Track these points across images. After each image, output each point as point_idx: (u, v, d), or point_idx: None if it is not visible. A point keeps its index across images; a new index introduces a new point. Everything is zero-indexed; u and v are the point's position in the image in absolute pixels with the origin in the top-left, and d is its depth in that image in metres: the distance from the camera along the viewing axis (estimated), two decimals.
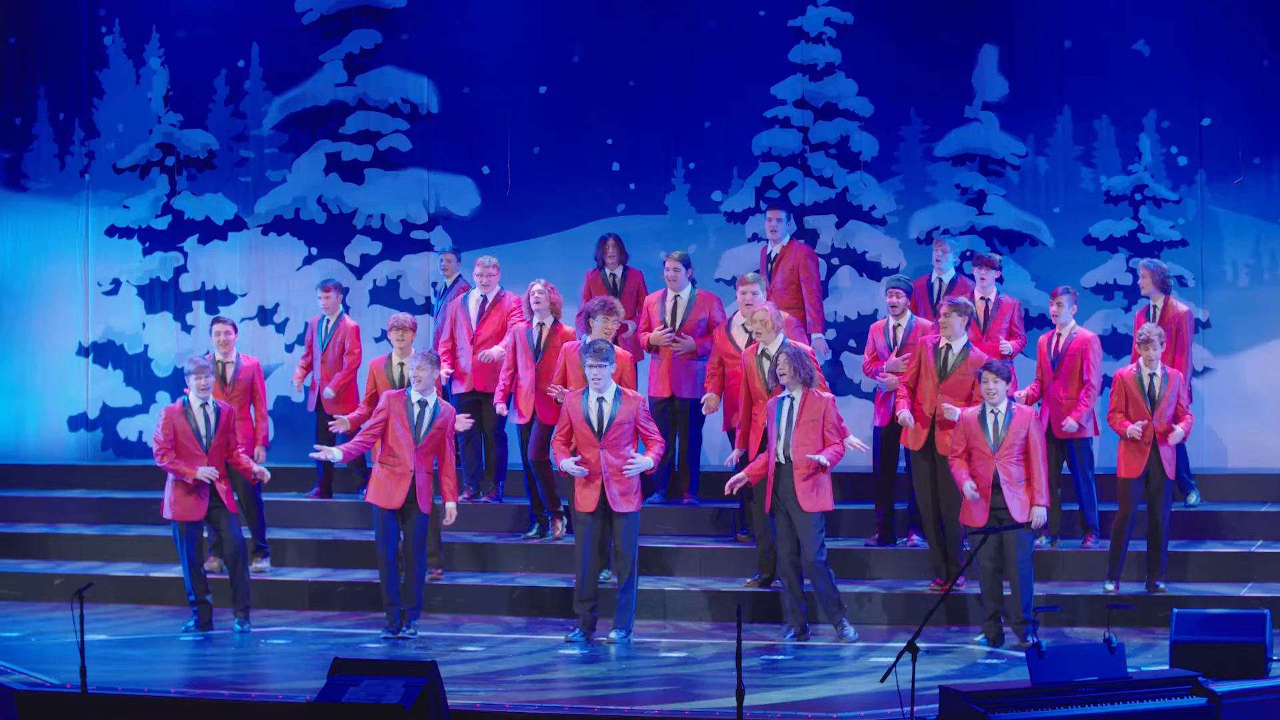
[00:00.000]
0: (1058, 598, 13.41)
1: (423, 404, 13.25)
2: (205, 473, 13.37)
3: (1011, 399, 12.83)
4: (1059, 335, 14.15)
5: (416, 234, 17.56)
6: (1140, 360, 13.46)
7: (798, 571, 13.10)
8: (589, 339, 13.64)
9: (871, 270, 16.68)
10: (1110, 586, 13.51)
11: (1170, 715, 10.19)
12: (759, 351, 13.64)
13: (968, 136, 16.59)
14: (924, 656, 10.40)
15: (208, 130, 17.86)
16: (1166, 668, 11.00)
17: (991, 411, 12.72)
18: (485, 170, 17.44)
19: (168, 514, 13.54)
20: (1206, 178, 16.15)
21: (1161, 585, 13.47)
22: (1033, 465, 12.68)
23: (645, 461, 13.07)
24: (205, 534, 13.94)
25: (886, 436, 14.29)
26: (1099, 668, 10.22)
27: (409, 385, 13.37)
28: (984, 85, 16.56)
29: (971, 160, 16.60)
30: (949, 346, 13.60)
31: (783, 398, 13.00)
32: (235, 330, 14.83)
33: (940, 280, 15.05)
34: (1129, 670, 10.33)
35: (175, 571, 14.89)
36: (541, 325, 14.64)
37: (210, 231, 17.89)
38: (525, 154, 17.33)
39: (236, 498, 13.97)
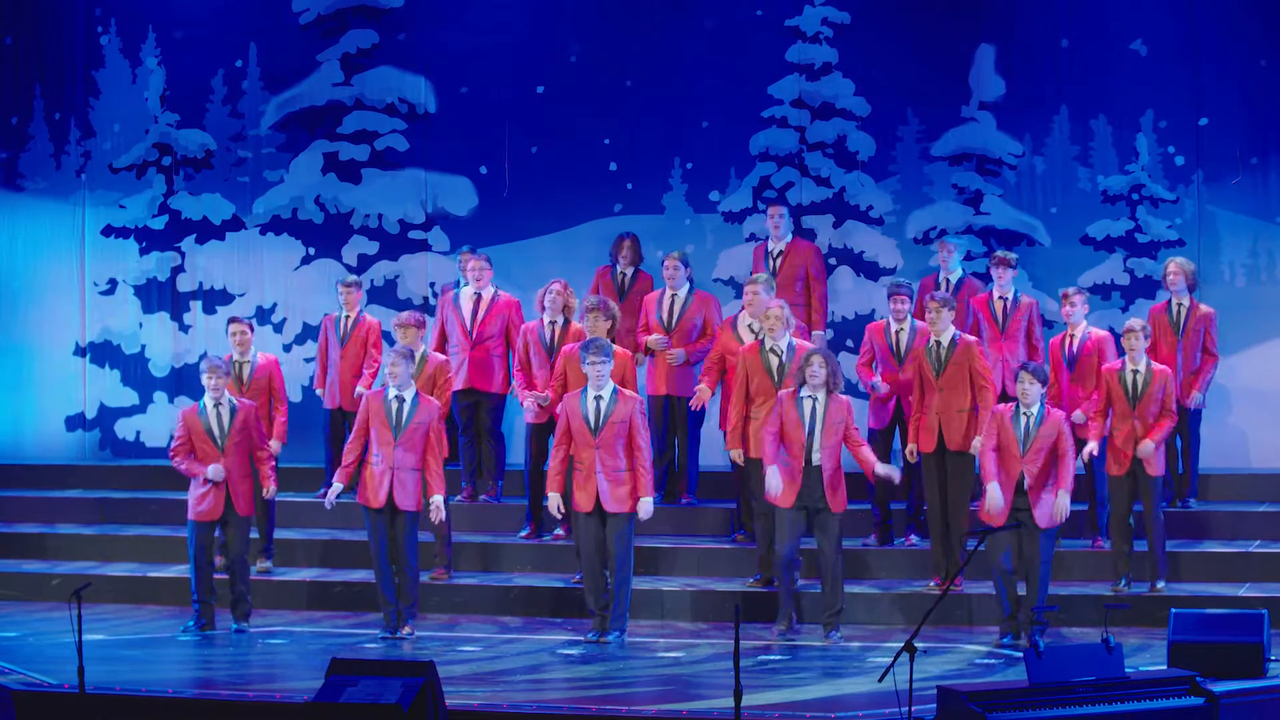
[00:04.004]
0: (1055, 597, 13.40)
1: (400, 400, 13.27)
2: (215, 471, 13.40)
3: (1043, 403, 12.85)
4: (1072, 336, 14.17)
5: (414, 234, 17.56)
6: (1125, 354, 13.53)
7: (793, 569, 13.14)
8: (588, 337, 13.70)
9: (869, 270, 16.67)
10: (1121, 585, 13.53)
11: (1168, 715, 10.20)
12: (765, 347, 13.64)
13: (965, 136, 16.58)
14: (922, 656, 10.40)
15: (205, 130, 17.84)
16: (1164, 668, 11.00)
17: (1024, 413, 12.74)
18: (483, 170, 17.43)
19: (189, 514, 13.58)
20: (1204, 178, 16.15)
21: (1160, 585, 13.48)
22: (1062, 468, 12.71)
23: (645, 506, 13.07)
24: (217, 534, 13.86)
25: (883, 439, 14.32)
26: (1097, 668, 10.22)
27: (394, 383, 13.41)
28: (981, 85, 16.55)
29: (968, 160, 16.60)
30: (939, 342, 13.66)
31: (804, 398, 13.01)
32: (252, 330, 14.83)
33: (948, 280, 15.06)
34: (1127, 670, 10.34)
35: (173, 571, 14.91)
36: (554, 324, 14.64)
37: (207, 231, 17.88)
38: (523, 154, 17.33)
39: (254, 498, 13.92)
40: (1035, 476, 12.69)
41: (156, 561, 15.33)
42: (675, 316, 14.91)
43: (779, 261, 15.40)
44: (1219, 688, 10.45)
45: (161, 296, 17.98)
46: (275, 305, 17.78)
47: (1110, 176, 16.32)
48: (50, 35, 18.04)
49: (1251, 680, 10.98)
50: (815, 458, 12.97)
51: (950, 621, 13.46)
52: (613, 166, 17.19)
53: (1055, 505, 12.71)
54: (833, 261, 16.80)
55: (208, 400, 13.58)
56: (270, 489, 13.87)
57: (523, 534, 15.09)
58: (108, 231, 18.03)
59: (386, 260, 17.60)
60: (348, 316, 15.80)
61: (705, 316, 14.90)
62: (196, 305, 17.91)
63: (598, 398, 13.05)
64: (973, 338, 13.89)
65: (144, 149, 17.94)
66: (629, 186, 17.15)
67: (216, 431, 13.51)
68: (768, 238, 15.71)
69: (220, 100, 17.84)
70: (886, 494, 14.44)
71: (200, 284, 17.93)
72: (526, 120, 17.30)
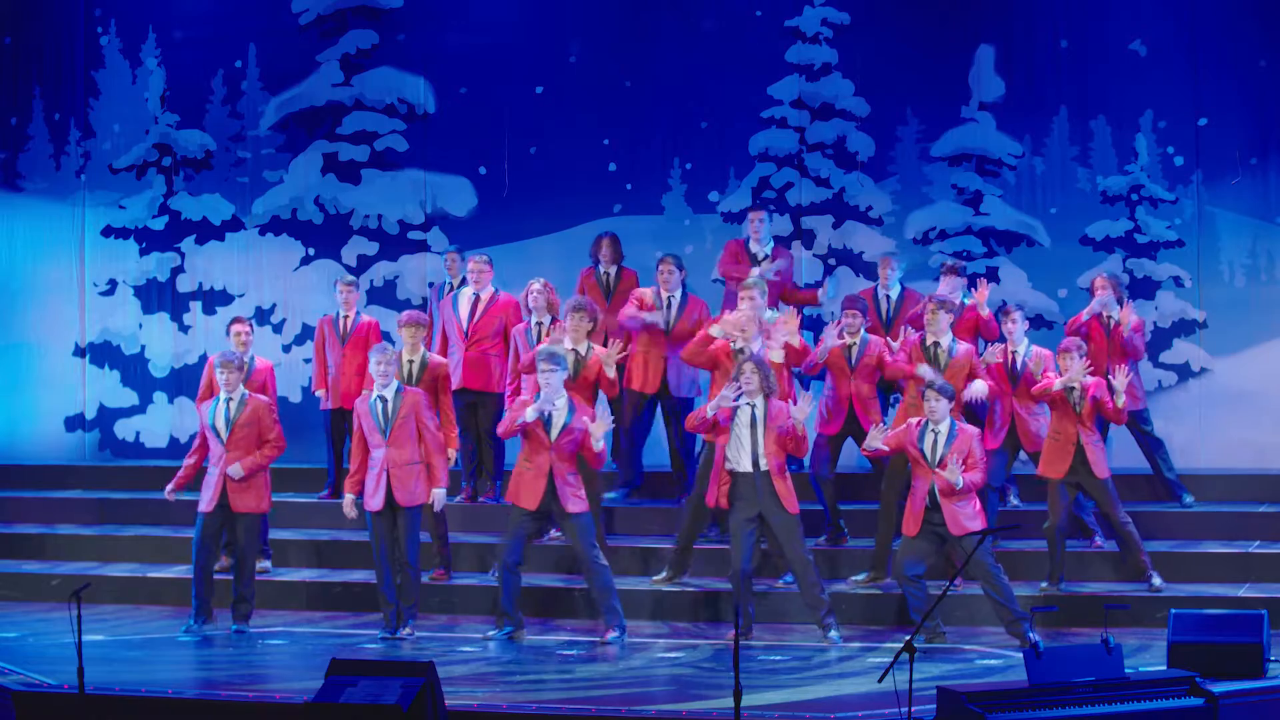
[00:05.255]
0: (1054, 598, 13.42)
1: (383, 400, 13.29)
2: (170, 489, 13.67)
3: (954, 420, 12.81)
4: (1014, 352, 14.06)
5: (413, 234, 17.57)
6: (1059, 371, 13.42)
7: (749, 579, 13.06)
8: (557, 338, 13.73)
9: (868, 271, 16.65)
10: (1044, 585, 13.53)
11: (1168, 715, 10.20)
12: (736, 347, 13.61)
13: (964, 137, 16.59)
14: (922, 656, 10.41)
15: (204, 131, 17.86)
16: (1164, 668, 10.99)
17: (932, 431, 12.71)
18: (482, 171, 17.44)
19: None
20: (1203, 178, 16.16)
21: (1158, 583, 13.47)
22: (969, 482, 12.64)
23: (600, 427, 12.98)
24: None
25: (833, 445, 14.22)
26: (1096, 668, 10.23)
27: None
28: (980, 85, 16.56)
29: (968, 160, 16.61)
30: (937, 343, 13.65)
31: (743, 405, 12.93)
32: (252, 330, 14.87)
33: (888, 297, 14.99)
34: (1126, 671, 10.33)
35: (173, 572, 14.92)
36: (540, 324, 14.64)
37: (207, 232, 17.90)
38: (522, 154, 17.34)
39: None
40: (946, 490, 12.65)
41: (156, 562, 15.33)
42: (674, 320, 14.84)
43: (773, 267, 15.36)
44: (1219, 688, 10.45)
45: (161, 297, 17.99)
46: (275, 306, 17.79)
47: (1109, 177, 16.33)
48: (50, 35, 18.05)
49: (1251, 681, 10.97)
50: (762, 463, 12.94)
51: (950, 621, 13.44)
52: (612, 167, 17.20)
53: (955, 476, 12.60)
54: (832, 262, 16.82)
55: (221, 394, 13.62)
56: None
57: None
58: (107, 232, 18.05)
59: (386, 261, 17.61)
60: (346, 316, 15.81)
61: (700, 319, 14.89)
62: (196, 306, 17.92)
63: (551, 407, 13.01)
64: (968, 345, 13.88)
65: (144, 149, 17.96)
66: (628, 187, 17.16)
67: (221, 424, 13.55)
68: (743, 238, 15.65)
69: (220, 101, 17.86)
70: (834, 496, 14.40)
71: (200, 284, 17.94)
72: (525, 120, 17.31)
